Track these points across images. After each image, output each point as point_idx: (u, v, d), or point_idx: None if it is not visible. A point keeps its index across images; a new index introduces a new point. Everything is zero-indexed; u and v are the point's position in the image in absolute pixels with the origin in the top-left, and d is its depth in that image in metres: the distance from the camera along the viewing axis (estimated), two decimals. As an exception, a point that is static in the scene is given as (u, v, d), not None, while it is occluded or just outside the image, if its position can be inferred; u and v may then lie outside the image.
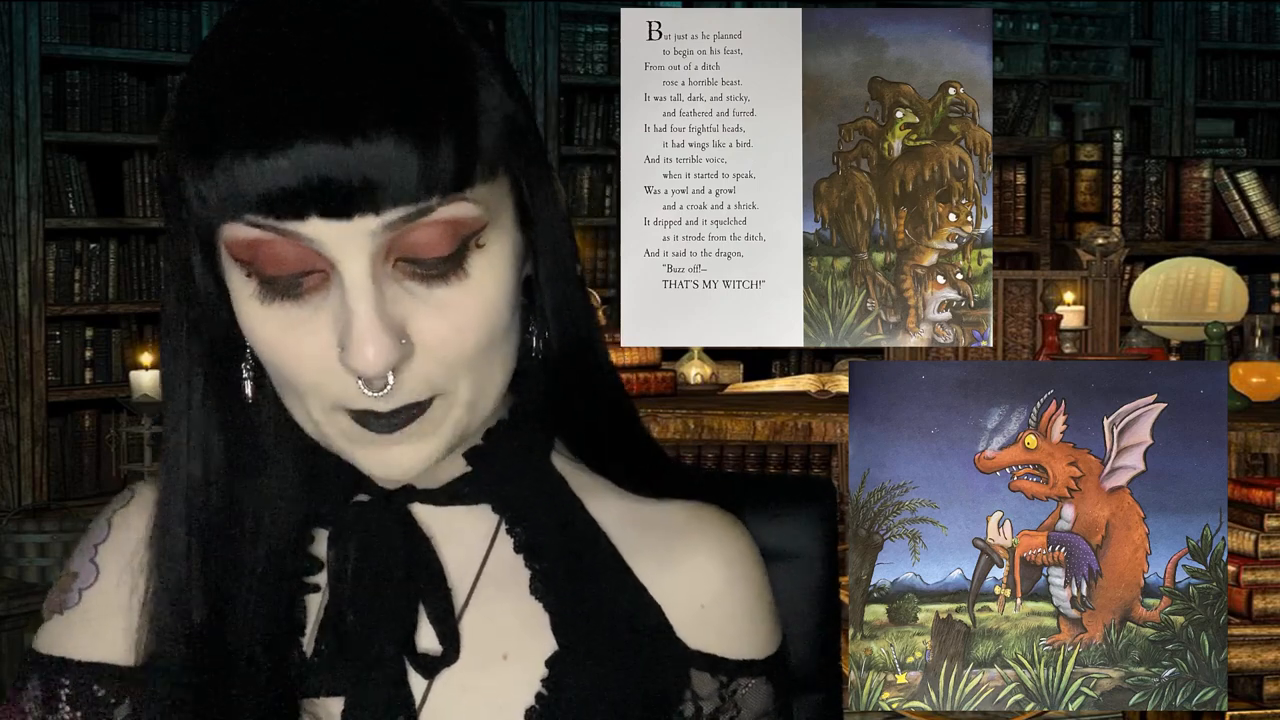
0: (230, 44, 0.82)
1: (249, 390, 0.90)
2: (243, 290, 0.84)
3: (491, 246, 0.85)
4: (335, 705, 0.92)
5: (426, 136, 0.79)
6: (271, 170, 0.78)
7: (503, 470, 0.96)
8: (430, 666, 0.92)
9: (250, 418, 0.91)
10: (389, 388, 0.83)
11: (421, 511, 0.95)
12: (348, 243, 0.81)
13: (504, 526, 0.96)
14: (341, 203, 0.79)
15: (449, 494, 0.95)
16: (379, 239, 0.81)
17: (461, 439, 0.89)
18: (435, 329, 0.84)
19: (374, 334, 0.81)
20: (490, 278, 0.85)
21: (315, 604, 0.94)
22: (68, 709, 0.94)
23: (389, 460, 0.87)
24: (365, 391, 0.83)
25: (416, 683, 0.92)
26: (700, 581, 0.97)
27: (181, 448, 0.91)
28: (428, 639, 0.93)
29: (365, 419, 0.85)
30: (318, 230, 0.80)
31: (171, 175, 0.83)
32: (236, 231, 0.82)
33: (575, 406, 0.98)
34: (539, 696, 0.92)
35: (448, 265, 0.83)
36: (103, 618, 0.95)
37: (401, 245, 0.82)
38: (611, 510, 0.98)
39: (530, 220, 0.90)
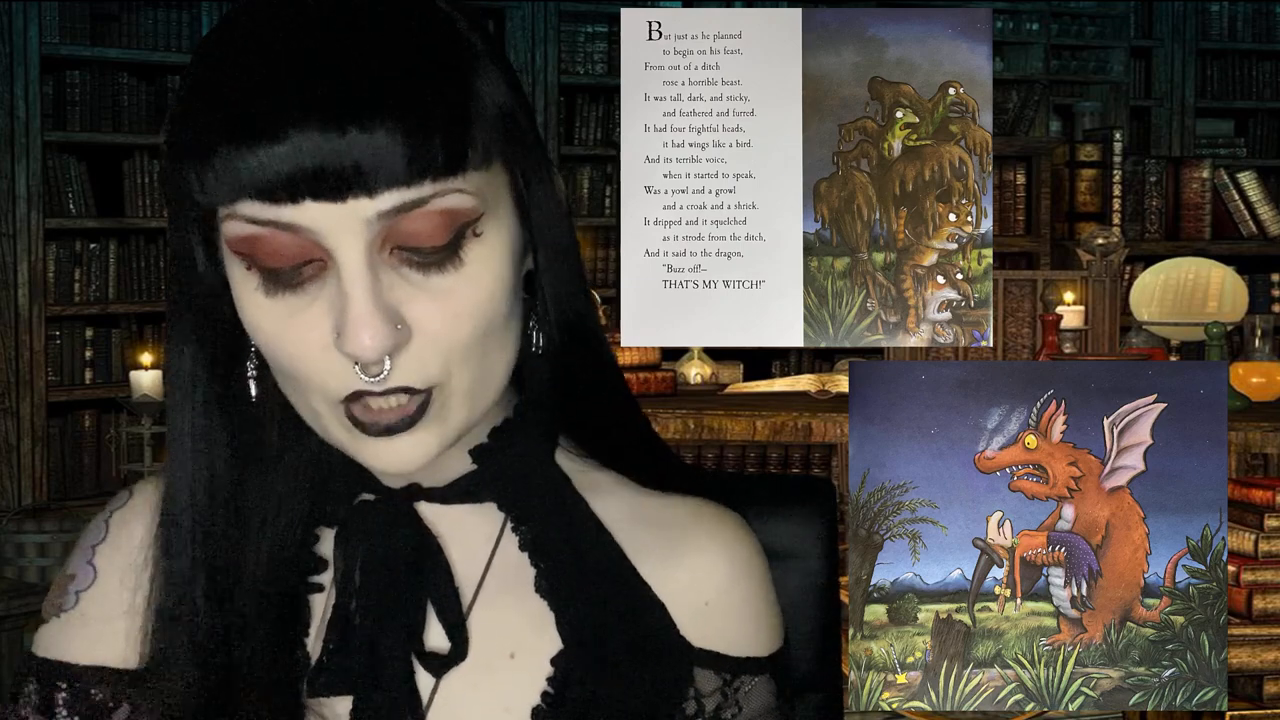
0: (232, 37, 0.84)
1: (253, 388, 0.91)
2: (245, 284, 0.85)
3: (488, 237, 0.86)
4: (342, 705, 0.92)
5: (416, 122, 0.80)
6: (267, 157, 0.79)
7: (508, 469, 0.96)
8: (439, 665, 0.92)
9: (255, 415, 0.91)
10: (385, 373, 0.83)
11: (427, 510, 0.95)
12: (343, 230, 0.81)
13: (509, 525, 0.96)
14: (334, 185, 0.80)
15: (455, 492, 0.95)
16: (374, 227, 0.82)
17: (461, 432, 0.89)
18: (432, 315, 0.84)
19: (369, 318, 0.81)
20: (487, 267, 0.86)
21: (320, 604, 0.94)
22: (65, 712, 0.93)
23: (387, 454, 0.87)
24: (362, 376, 0.83)
25: (424, 682, 0.93)
26: (704, 579, 0.97)
27: (186, 445, 0.91)
28: (435, 637, 0.93)
29: (359, 424, 0.85)
30: (313, 217, 0.81)
31: (175, 166, 0.84)
32: (235, 227, 0.83)
33: (582, 399, 0.98)
34: (545, 695, 0.93)
35: (444, 254, 0.84)
36: (100, 620, 0.95)
37: (397, 234, 0.83)
38: (616, 507, 0.98)
39: (529, 214, 0.91)
